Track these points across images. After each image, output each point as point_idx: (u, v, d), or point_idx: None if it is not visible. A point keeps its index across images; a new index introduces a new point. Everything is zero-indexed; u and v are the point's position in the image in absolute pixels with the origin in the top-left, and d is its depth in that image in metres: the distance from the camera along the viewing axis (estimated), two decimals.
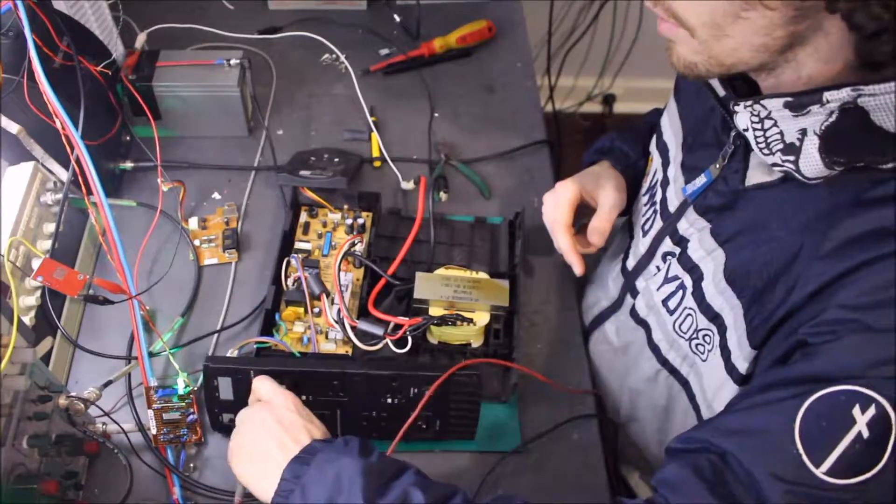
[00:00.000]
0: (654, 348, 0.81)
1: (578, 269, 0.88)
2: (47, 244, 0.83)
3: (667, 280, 0.78)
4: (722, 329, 0.70)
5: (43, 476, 0.68)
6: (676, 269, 0.77)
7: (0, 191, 0.81)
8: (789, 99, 0.58)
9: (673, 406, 0.81)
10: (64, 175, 0.88)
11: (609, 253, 0.98)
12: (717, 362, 0.71)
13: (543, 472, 0.81)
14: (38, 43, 0.77)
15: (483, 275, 0.85)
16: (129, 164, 0.99)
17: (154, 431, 0.78)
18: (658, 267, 0.81)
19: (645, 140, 0.93)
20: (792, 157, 0.60)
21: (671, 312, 0.77)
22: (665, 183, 0.82)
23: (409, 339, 0.80)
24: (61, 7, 0.90)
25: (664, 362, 0.80)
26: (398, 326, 0.80)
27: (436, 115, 1.12)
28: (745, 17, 0.57)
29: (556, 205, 0.89)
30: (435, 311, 0.82)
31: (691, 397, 0.78)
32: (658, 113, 0.96)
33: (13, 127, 0.83)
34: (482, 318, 0.82)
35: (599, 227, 0.88)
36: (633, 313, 0.85)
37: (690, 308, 0.74)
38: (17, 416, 0.65)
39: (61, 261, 0.73)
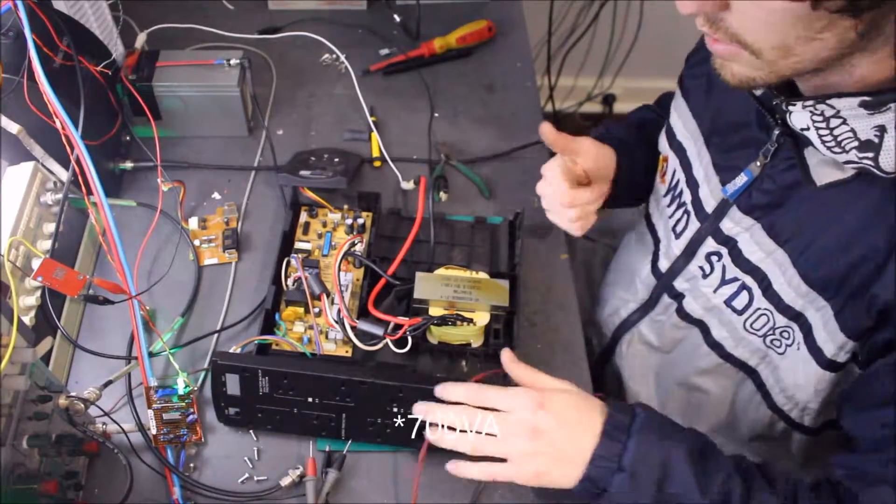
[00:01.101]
0: (715, 345, 0.82)
1: (578, 231, 0.86)
2: (47, 244, 0.83)
3: (724, 282, 0.79)
4: (805, 326, 0.71)
5: (43, 476, 0.68)
6: (734, 271, 0.77)
7: (0, 191, 0.81)
8: (867, 98, 0.58)
9: (735, 394, 0.83)
10: (64, 175, 0.88)
11: (628, 256, 0.99)
12: (799, 354, 0.73)
13: None
14: (38, 43, 0.77)
15: (483, 275, 0.85)
16: (129, 164, 0.99)
17: (154, 431, 0.78)
18: (702, 268, 0.81)
19: (639, 132, 0.94)
20: (871, 154, 0.60)
21: (739, 313, 0.78)
22: (693, 184, 0.82)
23: (409, 339, 0.80)
24: (61, 7, 0.90)
25: (727, 357, 0.81)
26: (398, 326, 0.80)
27: (436, 115, 1.12)
28: (820, 38, 0.56)
29: (551, 183, 0.86)
30: (435, 311, 0.82)
31: (759, 385, 0.79)
32: (646, 108, 0.99)
33: (13, 127, 0.83)
34: (482, 318, 0.82)
35: (596, 192, 0.86)
36: (682, 314, 0.86)
37: (765, 309, 0.74)
38: (17, 416, 0.65)
39: (61, 261, 0.73)
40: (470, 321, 0.81)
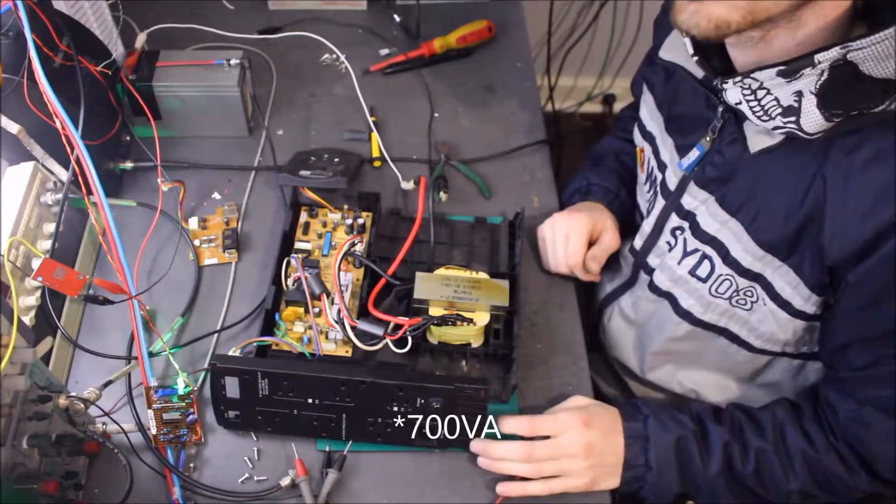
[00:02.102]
0: (684, 314, 0.87)
1: (598, 277, 0.96)
2: (47, 244, 0.83)
3: (686, 254, 0.84)
4: (766, 285, 0.77)
5: (43, 476, 0.68)
6: (694, 242, 0.82)
7: (0, 191, 0.81)
8: (782, 68, 0.64)
9: (710, 350, 0.89)
10: (64, 175, 0.88)
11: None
12: (766, 308, 0.79)
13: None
14: (38, 43, 0.77)
15: (483, 275, 0.85)
16: (129, 164, 0.99)
17: (154, 431, 0.78)
18: (669, 243, 0.86)
19: (616, 171, 1.02)
20: (793, 118, 0.66)
21: (704, 280, 0.83)
22: (662, 167, 0.88)
23: (409, 339, 0.80)
24: (61, 7, 0.90)
25: (697, 322, 0.87)
26: (398, 326, 0.80)
27: (436, 115, 1.12)
28: None
29: (574, 241, 0.94)
30: (435, 311, 0.82)
31: (733, 338, 0.86)
32: (611, 137, 1.08)
33: (13, 127, 0.83)
34: (482, 318, 0.82)
35: (599, 256, 0.95)
36: (653, 287, 0.91)
37: (727, 275, 0.80)
38: (17, 416, 0.65)
39: (61, 261, 0.73)
40: (470, 321, 0.81)
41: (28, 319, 0.78)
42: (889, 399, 0.73)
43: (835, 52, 0.61)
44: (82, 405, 0.72)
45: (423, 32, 1.19)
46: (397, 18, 1.20)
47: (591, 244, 0.95)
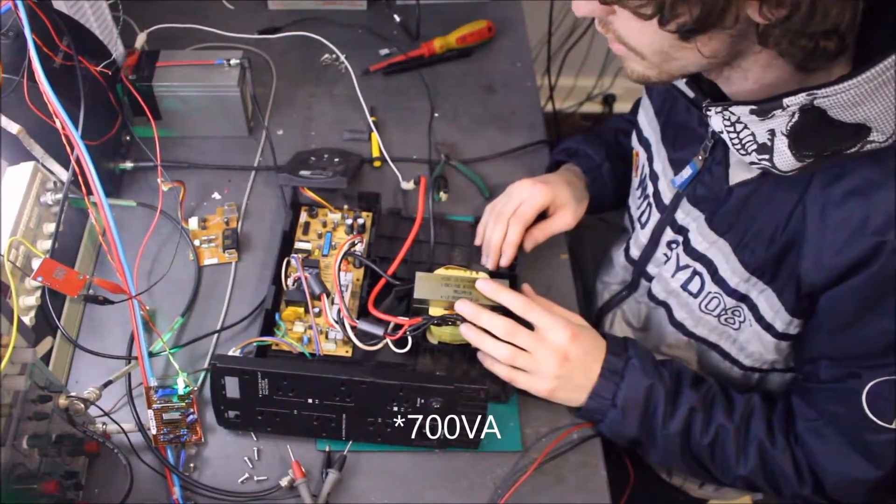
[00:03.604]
0: (678, 325, 0.89)
1: (492, 264, 0.91)
2: (47, 244, 0.83)
3: (679, 268, 0.85)
4: (752, 307, 0.78)
5: (43, 476, 0.68)
6: (686, 259, 0.83)
7: (0, 191, 0.81)
8: (754, 107, 0.64)
9: (704, 363, 0.91)
10: (64, 175, 0.88)
11: (612, 242, 1.05)
12: (753, 329, 0.80)
13: (543, 472, 0.81)
14: (38, 43, 0.77)
15: (483, 275, 0.85)
16: (129, 164, 0.99)
17: (154, 431, 0.78)
18: (665, 255, 0.87)
19: (609, 145, 1.01)
20: (766, 156, 0.66)
21: (695, 296, 0.84)
22: (654, 177, 0.88)
23: (409, 339, 0.80)
24: (61, 7, 0.90)
25: (690, 334, 0.88)
26: (398, 326, 0.80)
27: (436, 115, 1.12)
28: (689, 47, 0.62)
29: (528, 204, 0.91)
30: (435, 311, 0.82)
31: (724, 355, 0.87)
32: (622, 119, 1.06)
33: (13, 127, 0.83)
34: None
35: (538, 237, 0.93)
36: (651, 296, 0.92)
37: (715, 293, 0.81)
38: (17, 416, 0.65)
39: (61, 261, 0.73)
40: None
41: (28, 319, 0.78)
42: (843, 417, 0.74)
43: (801, 98, 0.60)
44: (82, 405, 0.72)
45: (423, 32, 1.19)
46: (397, 18, 1.20)
47: (543, 217, 0.94)
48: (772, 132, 0.64)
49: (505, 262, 0.90)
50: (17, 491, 0.64)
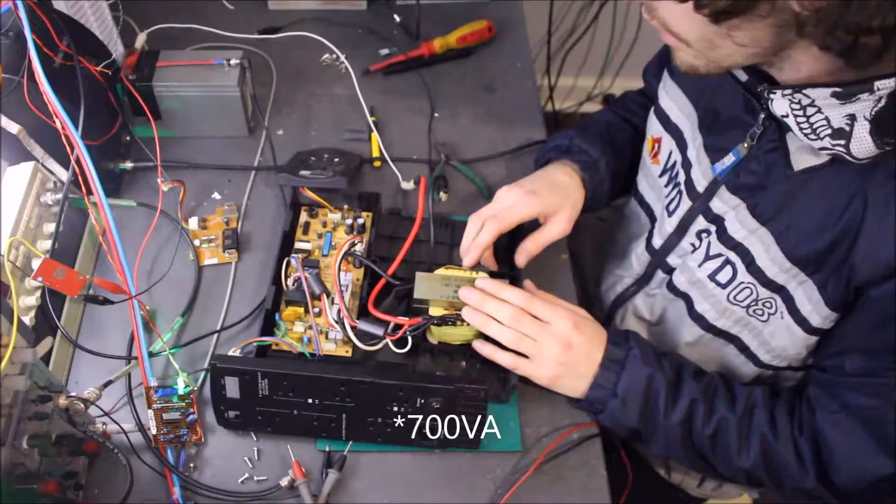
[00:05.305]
0: (698, 318, 0.87)
1: (469, 262, 0.87)
2: (47, 244, 0.83)
3: (709, 257, 0.83)
4: (788, 298, 0.77)
5: (43, 476, 0.68)
6: (718, 247, 0.81)
7: (0, 191, 0.81)
8: (838, 89, 0.62)
9: (719, 361, 0.89)
10: (64, 175, 0.88)
11: (626, 234, 1.02)
12: (783, 322, 0.79)
13: (543, 472, 0.81)
14: (38, 43, 0.77)
15: (483, 274, 0.85)
16: (129, 164, 0.99)
17: (154, 431, 0.78)
18: (693, 244, 0.85)
19: (603, 139, 0.98)
20: (842, 141, 0.64)
21: (723, 287, 0.82)
22: (687, 164, 0.86)
23: (409, 339, 0.80)
24: (61, 7, 0.90)
25: (709, 328, 0.86)
26: (398, 326, 0.80)
27: (436, 115, 1.12)
28: (732, 35, 0.63)
29: (511, 211, 0.87)
30: (435, 311, 0.82)
31: (743, 349, 0.86)
32: (610, 111, 1.04)
33: (13, 127, 0.83)
34: None
35: (530, 249, 0.89)
36: (671, 287, 0.89)
37: (749, 283, 0.79)
38: (17, 416, 0.65)
39: (61, 261, 0.73)
40: None
41: (28, 319, 0.78)
42: (870, 409, 0.74)
43: (893, 83, 0.60)
44: (82, 405, 0.72)
45: (423, 32, 1.19)
46: (397, 18, 1.20)
47: (536, 225, 0.91)
48: (851, 117, 0.63)
49: (468, 262, 0.86)
50: (17, 491, 0.64)
